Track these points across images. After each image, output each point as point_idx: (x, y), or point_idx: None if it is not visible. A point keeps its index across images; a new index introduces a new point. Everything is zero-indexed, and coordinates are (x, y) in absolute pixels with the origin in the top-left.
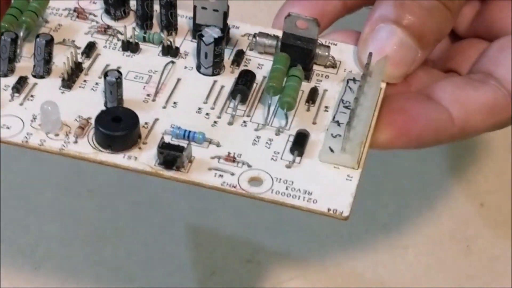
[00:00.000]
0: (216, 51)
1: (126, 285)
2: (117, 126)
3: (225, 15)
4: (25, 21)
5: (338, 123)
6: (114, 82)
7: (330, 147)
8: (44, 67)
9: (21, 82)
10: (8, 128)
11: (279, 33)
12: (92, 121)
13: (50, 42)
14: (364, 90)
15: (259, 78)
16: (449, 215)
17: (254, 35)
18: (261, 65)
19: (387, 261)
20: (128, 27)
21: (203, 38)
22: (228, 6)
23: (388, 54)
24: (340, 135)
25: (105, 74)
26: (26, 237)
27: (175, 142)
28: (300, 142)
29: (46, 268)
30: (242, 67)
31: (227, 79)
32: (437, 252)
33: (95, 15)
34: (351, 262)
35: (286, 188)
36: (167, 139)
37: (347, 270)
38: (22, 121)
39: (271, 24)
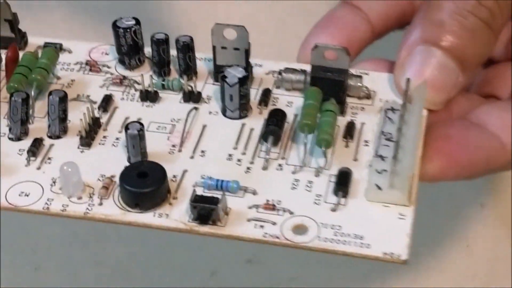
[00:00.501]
0: (242, 91)
1: (126, 285)
2: (144, 182)
3: (247, 53)
4: (35, 79)
5: (382, 157)
6: (136, 135)
7: (376, 184)
8: (60, 126)
9: (37, 145)
10: (26, 195)
11: (305, 67)
12: (116, 179)
13: (64, 98)
14: (406, 118)
15: (289, 116)
16: (449, 215)
17: (280, 72)
18: (290, 102)
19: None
20: (145, 76)
21: (227, 80)
22: (249, 43)
23: (428, 78)
24: (385, 170)
25: (126, 127)
26: (26, 238)
27: (208, 194)
28: (343, 182)
29: (46, 268)
30: (270, 107)
31: (256, 121)
32: (437, 252)
33: (108, 67)
34: (351, 262)
35: (335, 234)
36: (199, 191)
37: (347, 270)
38: (41, 186)
39: (271, 27)
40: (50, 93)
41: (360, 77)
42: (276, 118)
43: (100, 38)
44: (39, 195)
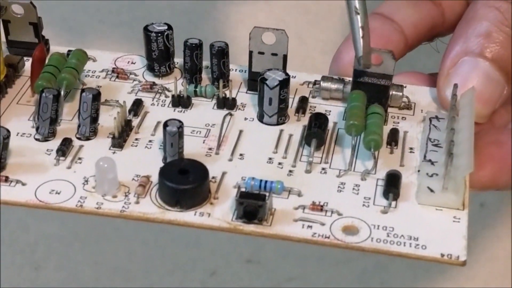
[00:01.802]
0: (282, 95)
1: (126, 285)
2: (185, 179)
3: (285, 58)
4: (65, 78)
5: (432, 162)
6: (176, 132)
7: (429, 187)
8: (91, 126)
9: (66, 144)
10: (57, 193)
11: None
12: (153, 179)
13: (97, 96)
14: (455, 124)
15: (329, 124)
16: None
17: (315, 82)
18: (329, 111)
19: (387, 261)
20: (177, 82)
21: (267, 82)
22: (287, 48)
23: (475, 89)
24: (436, 174)
25: (165, 124)
26: (26, 237)
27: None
28: (394, 184)
29: (46, 268)
30: (308, 114)
31: (294, 127)
32: None
33: (136, 74)
34: (351, 262)
35: (387, 235)
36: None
37: (347, 270)
38: (73, 185)
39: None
40: (82, 91)
41: (401, 86)
42: (319, 121)
43: (125, 49)
44: (71, 193)
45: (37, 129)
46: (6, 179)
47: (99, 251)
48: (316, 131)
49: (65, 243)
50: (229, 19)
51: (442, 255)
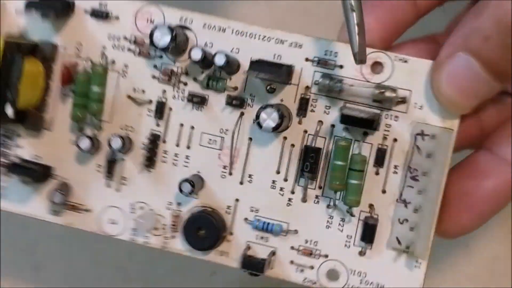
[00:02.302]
0: (279, 130)
1: (126, 285)
2: (203, 239)
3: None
4: (94, 110)
5: (405, 204)
6: (191, 191)
7: (397, 238)
8: (124, 148)
9: (112, 165)
10: (114, 223)
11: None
12: (182, 213)
13: (123, 144)
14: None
15: (326, 125)
16: None
17: (319, 61)
18: (328, 107)
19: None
20: (189, 80)
21: (262, 128)
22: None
23: (460, 86)
24: (407, 220)
25: (180, 187)
26: (26, 237)
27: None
28: (369, 234)
29: (46, 268)
30: (309, 113)
31: (296, 134)
32: (437, 252)
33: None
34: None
35: (360, 282)
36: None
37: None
38: (123, 213)
39: (271, 27)
40: (109, 144)
41: (394, 90)
42: (310, 162)
43: None
44: (123, 223)
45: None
46: (74, 207)
47: (99, 251)
48: (307, 176)
49: (65, 243)
50: (229, 19)
51: None
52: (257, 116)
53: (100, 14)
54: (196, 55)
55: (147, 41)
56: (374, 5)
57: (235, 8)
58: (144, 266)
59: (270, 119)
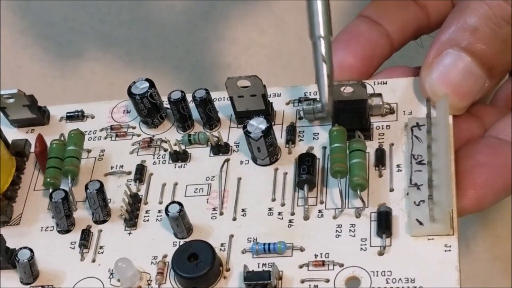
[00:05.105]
0: (268, 142)
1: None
2: (196, 266)
3: (264, 97)
4: (69, 170)
5: (417, 187)
6: (177, 217)
7: (417, 219)
8: (103, 212)
9: (86, 237)
10: None
11: None
12: (168, 259)
13: (100, 188)
14: (433, 136)
15: (317, 149)
16: None
17: (300, 100)
18: (317, 134)
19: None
20: (171, 134)
21: (251, 135)
22: (264, 87)
23: (453, 83)
24: (423, 201)
25: (166, 210)
26: None
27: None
28: (385, 224)
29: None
30: (297, 144)
31: (287, 162)
32: None
33: (133, 127)
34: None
35: (387, 282)
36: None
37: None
38: (101, 281)
39: (271, 27)
40: (86, 187)
41: (380, 95)
42: (307, 165)
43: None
44: None
45: (57, 224)
46: None
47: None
48: (306, 178)
49: None
50: (229, 19)
51: None
52: (246, 131)
53: (76, 116)
54: (176, 95)
55: (124, 124)
56: (350, 42)
57: (235, 8)
58: None
59: (258, 123)
